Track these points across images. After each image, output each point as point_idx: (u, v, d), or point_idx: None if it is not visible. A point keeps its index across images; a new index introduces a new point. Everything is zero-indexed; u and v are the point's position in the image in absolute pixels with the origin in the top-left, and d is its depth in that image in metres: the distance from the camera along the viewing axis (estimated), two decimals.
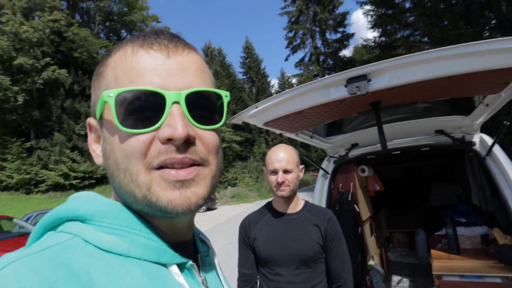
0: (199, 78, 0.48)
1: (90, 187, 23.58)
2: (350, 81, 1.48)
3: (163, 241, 0.48)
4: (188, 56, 0.48)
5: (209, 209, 19.14)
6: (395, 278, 4.14)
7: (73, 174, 22.85)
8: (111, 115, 0.44)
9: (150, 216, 0.47)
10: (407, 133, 2.68)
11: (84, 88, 25.84)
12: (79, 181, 23.14)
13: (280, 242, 1.56)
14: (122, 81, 0.45)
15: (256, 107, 1.80)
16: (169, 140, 0.43)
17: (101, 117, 0.48)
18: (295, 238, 1.55)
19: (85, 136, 24.74)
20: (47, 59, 23.69)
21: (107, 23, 30.66)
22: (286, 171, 1.56)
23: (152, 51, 0.46)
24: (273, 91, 40.58)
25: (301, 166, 1.66)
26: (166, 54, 0.46)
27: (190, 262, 0.50)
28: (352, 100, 1.70)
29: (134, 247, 0.44)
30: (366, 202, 3.47)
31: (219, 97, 0.50)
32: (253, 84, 39.21)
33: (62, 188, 22.72)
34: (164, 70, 0.45)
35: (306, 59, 31.69)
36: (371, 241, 3.39)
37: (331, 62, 30.90)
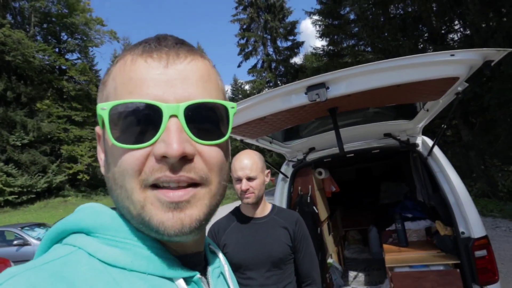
0: (202, 88, 0.44)
1: (29, 202, 21.34)
2: (310, 88, 1.56)
3: (169, 254, 0.46)
4: (191, 64, 0.45)
5: None
6: (352, 274, 4.35)
7: (8, 189, 20.45)
8: (106, 129, 0.42)
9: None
10: (360, 137, 2.88)
11: (19, 94, 23.41)
12: (16, 196, 20.79)
13: (250, 246, 1.58)
14: (120, 92, 0.43)
15: None
16: (163, 157, 0.40)
17: (103, 128, 0.46)
18: (265, 242, 1.58)
19: (22, 147, 22.54)
20: None
21: (45, 25, 28.07)
22: (249, 179, 1.58)
23: (150, 59, 0.43)
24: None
25: (267, 171, 1.70)
26: (165, 63, 0.43)
27: (198, 276, 0.48)
28: (311, 107, 1.79)
29: (138, 260, 0.42)
30: (324, 203, 3.63)
31: (224, 108, 0.46)
32: None
33: None
34: (162, 80, 0.42)
35: (259, 66, 32.44)
36: (329, 240, 3.54)
37: (283, 69, 31.97)
